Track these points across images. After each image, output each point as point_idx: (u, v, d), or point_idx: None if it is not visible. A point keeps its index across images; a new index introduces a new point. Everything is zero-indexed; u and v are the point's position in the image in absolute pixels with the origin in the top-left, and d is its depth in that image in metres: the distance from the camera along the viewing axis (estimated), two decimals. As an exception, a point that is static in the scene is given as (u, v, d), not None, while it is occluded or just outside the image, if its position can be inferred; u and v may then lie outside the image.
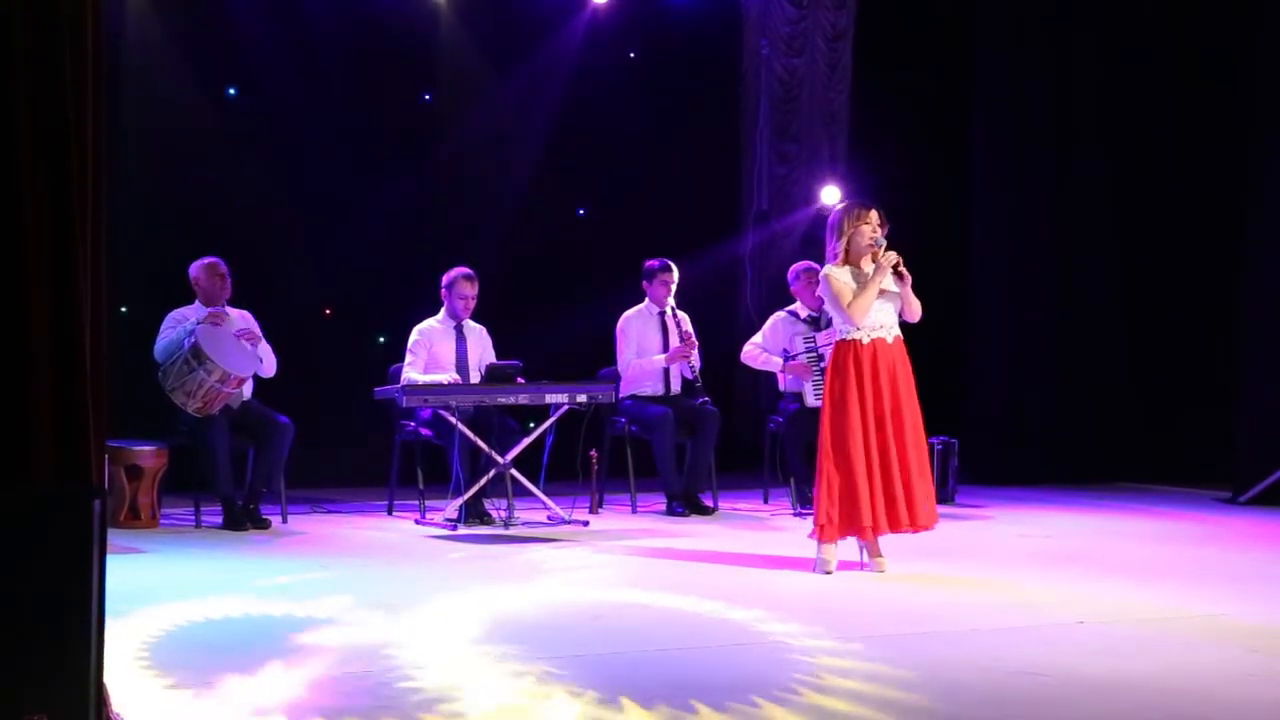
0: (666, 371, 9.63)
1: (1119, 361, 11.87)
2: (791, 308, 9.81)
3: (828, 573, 7.14)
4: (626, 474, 9.57)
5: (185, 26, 9.92)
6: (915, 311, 7.28)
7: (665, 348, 9.61)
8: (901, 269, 7.18)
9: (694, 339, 9.61)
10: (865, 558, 7.29)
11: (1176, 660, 5.51)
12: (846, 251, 7.21)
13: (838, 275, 7.18)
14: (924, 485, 7.20)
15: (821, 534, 7.15)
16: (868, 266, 7.18)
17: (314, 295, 10.26)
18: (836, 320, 7.28)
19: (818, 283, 9.63)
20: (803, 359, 9.45)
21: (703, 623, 6.14)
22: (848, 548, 7.31)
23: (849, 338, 7.16)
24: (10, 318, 3.96)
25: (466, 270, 9.20)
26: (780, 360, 9.58)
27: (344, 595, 6.49)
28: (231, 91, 10.10)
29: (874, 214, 7.22)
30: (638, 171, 11.37)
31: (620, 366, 9.65)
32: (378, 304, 10.29)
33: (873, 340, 7.14)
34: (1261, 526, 9.38)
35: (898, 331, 7.24)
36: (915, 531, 7.23)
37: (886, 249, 7.15)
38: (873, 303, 7.10)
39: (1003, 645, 5.70)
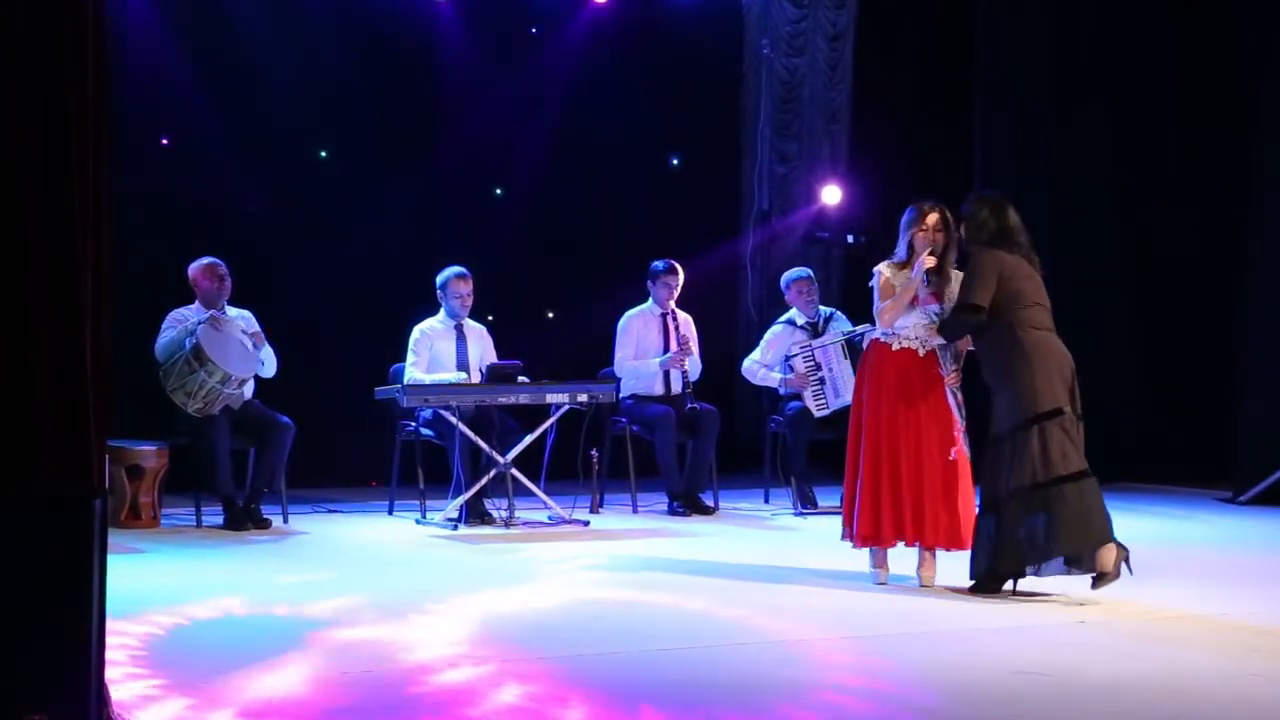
0: (667, 372, 9.61)
1: (1119, 361, 11.85)
2: (788, 316, 9.78)
3: (880, 584, 6.88)
4: (627, 474, 9.56)
5: (186, 26, 9.91)
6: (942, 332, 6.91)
7: (665, 349, 9.58)
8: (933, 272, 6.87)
9: (690, 345, 9.58)
10: (872, 567, 7.02)
11: (1177, 660, 5.51)
12: (911, 251, 6.91)
13: (885, 274, 6.93)
14: (935, 502, 6.78)
15: (859, 542, 6.93)
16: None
17: (314, 295, 10.24)
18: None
19: (809, 291, 9.67)
20: (800, 367, 9.42)
21: (704, 622, 6.13)
22: (847, 557, 7.27)
23: (881, 339, 6.95)
24: (11, 318, 3.96)
25: (459, 269, 9.16)
26: (778, 375, 9.56)
27: (345, 595, 6.49)
28: (231, 91, 10.09)
29: (932, 217, 6.87)
30: (639, 171, 11.36)
31: (615, 366, 9.63)
32: (378, 304, 10.28)
33: (902, 349, 6.89)
34: (1261, 526, 9.38)
35: (932, 346, 6.89)
36: (923, 546, 6.83)
37: (931, 252, 6.83)
38: (901, 310, 6.85)
39: (1005, 645, 5.70)
